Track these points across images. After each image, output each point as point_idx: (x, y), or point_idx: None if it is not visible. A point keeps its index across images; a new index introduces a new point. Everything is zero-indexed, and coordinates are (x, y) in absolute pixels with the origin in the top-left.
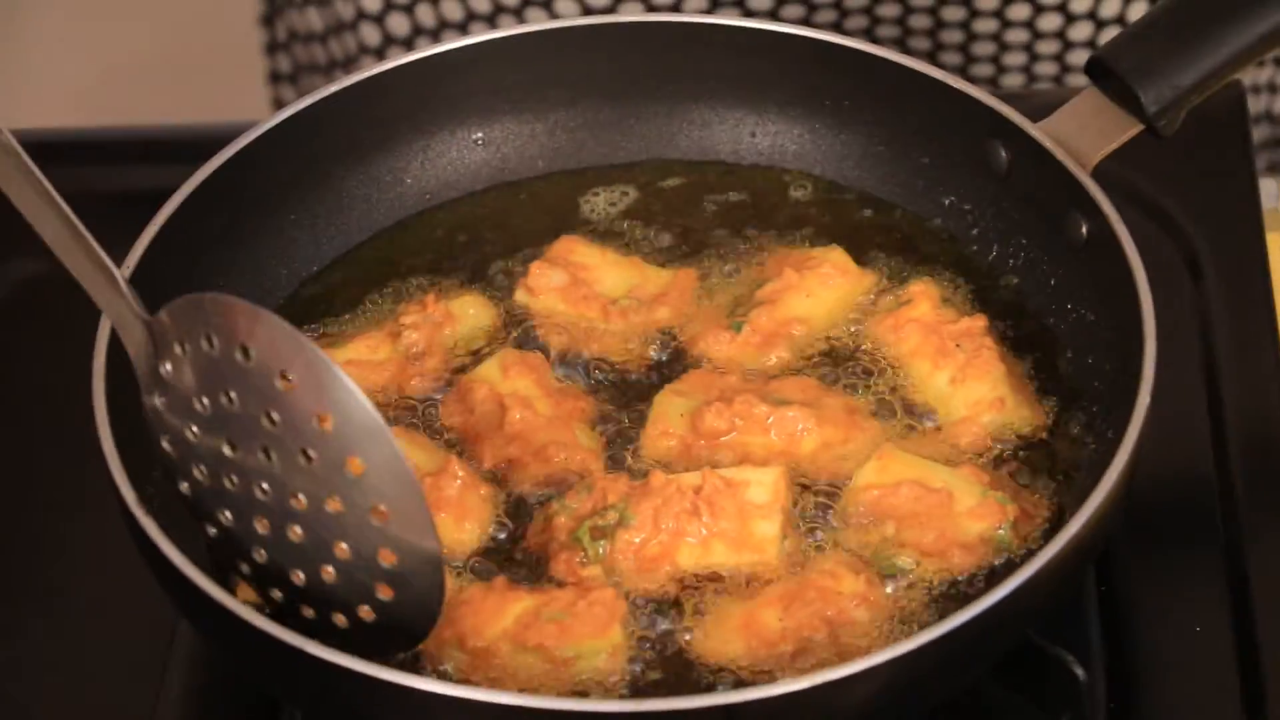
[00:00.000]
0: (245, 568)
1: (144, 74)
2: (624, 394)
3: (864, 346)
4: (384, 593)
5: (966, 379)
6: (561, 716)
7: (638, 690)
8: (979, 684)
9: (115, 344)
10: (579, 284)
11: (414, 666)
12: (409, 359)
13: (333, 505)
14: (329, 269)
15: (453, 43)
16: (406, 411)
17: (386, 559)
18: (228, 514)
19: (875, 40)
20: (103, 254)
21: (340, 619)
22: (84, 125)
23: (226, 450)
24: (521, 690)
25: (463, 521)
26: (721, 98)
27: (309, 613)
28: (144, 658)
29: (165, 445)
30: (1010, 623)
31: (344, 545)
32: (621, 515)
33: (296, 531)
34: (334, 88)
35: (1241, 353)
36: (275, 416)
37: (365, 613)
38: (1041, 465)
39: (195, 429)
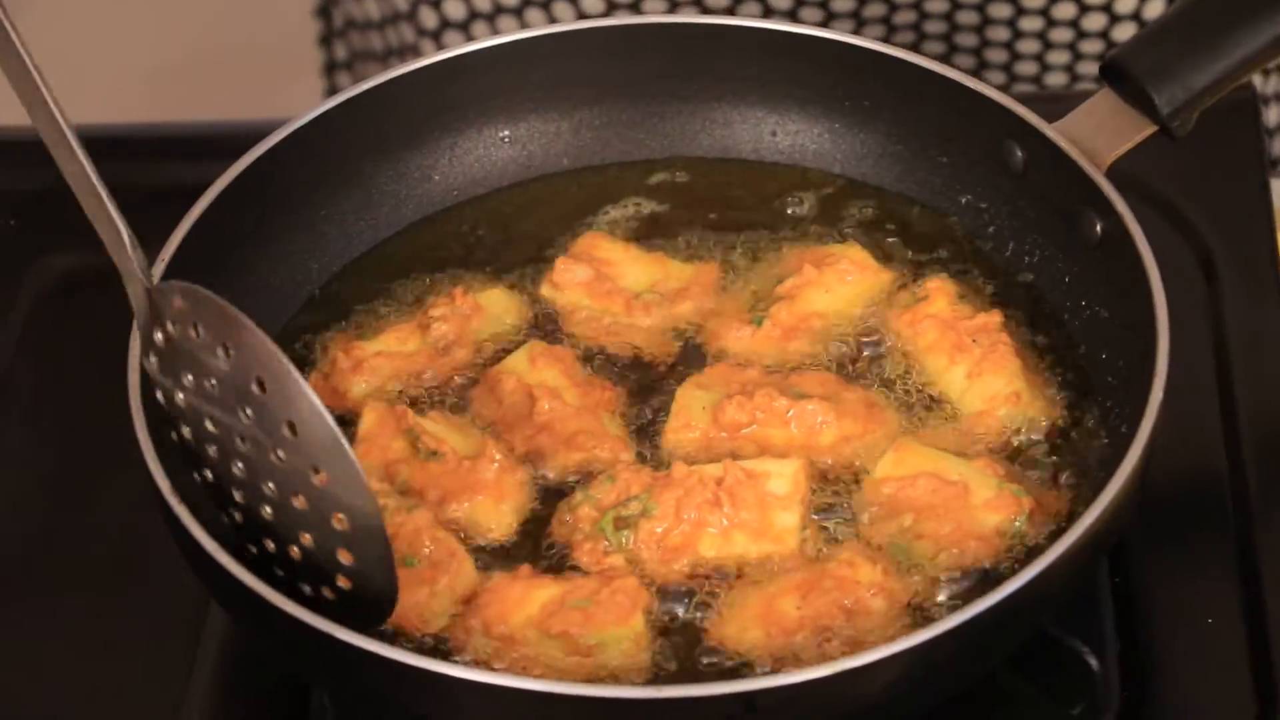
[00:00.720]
0: (232, 517)
1: (199, 69)
2: (647, 387)
3: (882, 341)
4: (343, 582)
5: (983, 373)
6: (584, 702)
7: (657, 678)
8: (993, 674)
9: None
10: (603, 279)
11: (441, 652)
12: (439, 350)
13: (298, 502)
14: (358, 262)
15: (480, 43)
16: (439, 401)
17: (345, 558)
18: (209, 474)
19: (891, 42)
20: (117, 215)
21: (308, 589)
22: (121, 121)
23: (208, 424)
24: (543, 677)
25: (500, 504)
26: (743, 97)
27: (282, 574)
28: (176, 641)
29: (159, 397)
30: (1026, 613)
31: (307, 536)
32: (644, 506)
33: (266, 511)
34: (364, 86)
35: (1254, 350)
36: (249, 414)
37: (338, 585)
38: (1056, 459)
39: (181, 396)
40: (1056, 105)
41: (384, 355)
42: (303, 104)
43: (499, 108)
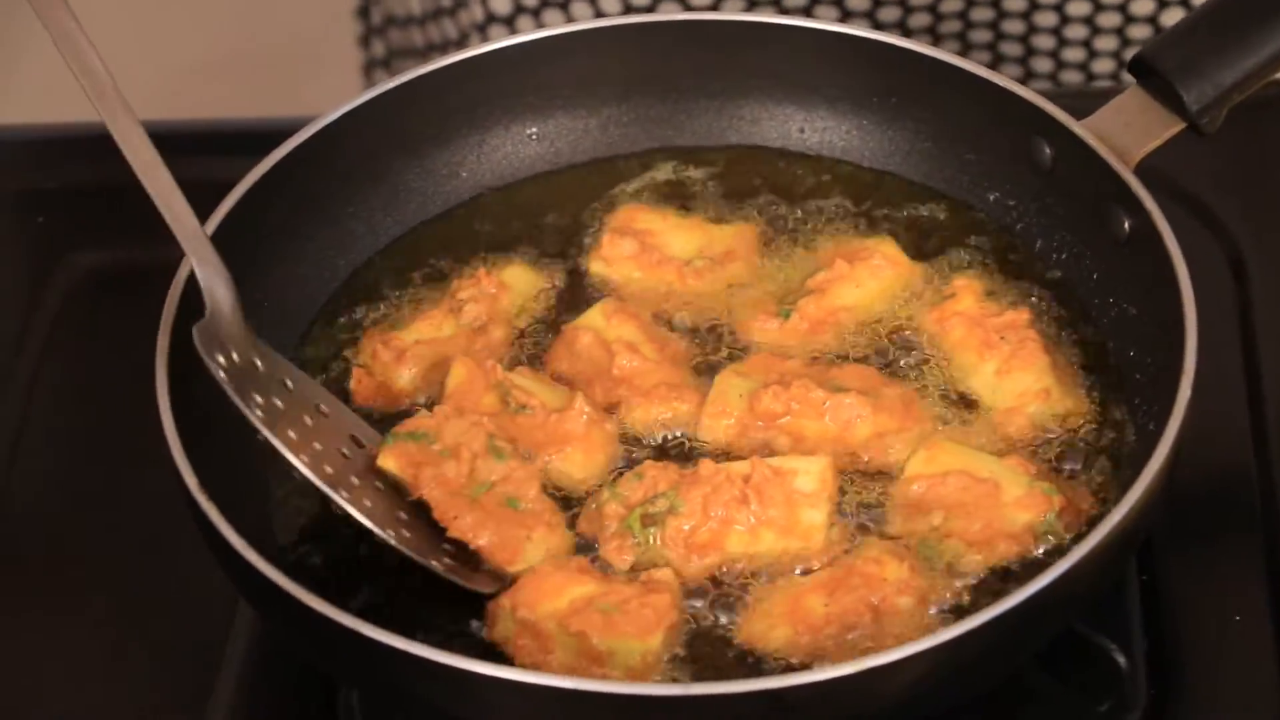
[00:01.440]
0: None
1: (240, 65)
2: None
3: (911, 337)
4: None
5: (1012, 370)
6: (612, 699)
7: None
8: (1021, 671)
9: (179, 333)
10: (649, 250)
11: (464, 648)
12: (475, 331)
13: None
14: (383, 255)
15: (508, 40)
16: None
17: None
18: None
19: (909, 33)
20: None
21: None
22: (153, 119)
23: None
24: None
25: (593, 454)
26: (770, 93)
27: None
28: (204, 639)
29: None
30: (1053, 611)
31: None
32: (671, 503)
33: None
34: (392, 84)
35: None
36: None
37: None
38: (1085, 456)
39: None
40: (1085, 102)
41: (423, 343)
42: (342, 102)
43: (526, 105)
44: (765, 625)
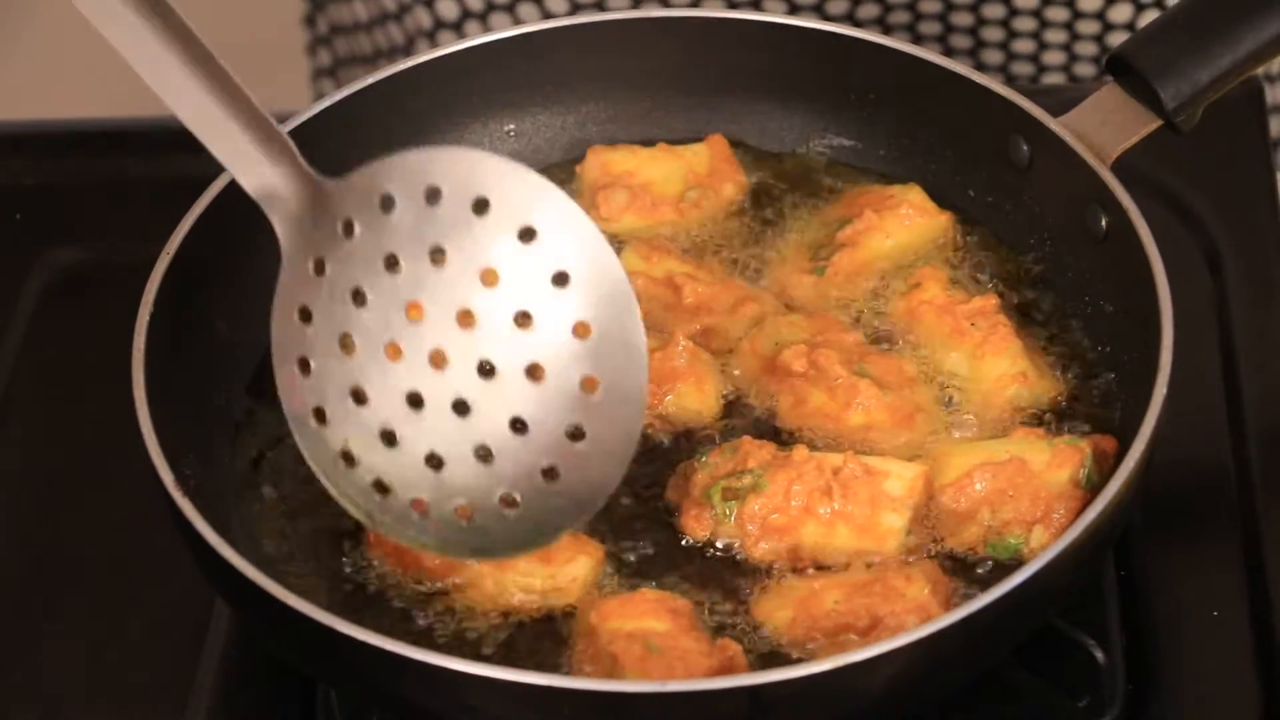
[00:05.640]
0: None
1: None
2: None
3: (885, 327)
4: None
5: (985, 355)
6: (587, 697)
7: None
8: (999, 666)
9: (155, 327)
10: (638, 194)
11: (441, 646)
12: None
13: (531, 376)
14: None
15: (481, 37)
16: None
17: (571, 442)
18: (365, 391)
19: (888, 32)
20: (264, 112)
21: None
22: (126, 115)
23: (377, 332)
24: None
25: (702, 386)
26: (750, 90)
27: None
28: (181, 640)
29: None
30: (1029, 607)
31: (523, 415)
32: (756, 481)
33: (464, 403)
34: (368, 81)
35: (1260, 343)
36: (486, 281)
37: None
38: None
39: (338, 309)
40: (1062, 99)
41: None
42: (292, 107)
43: (504, 102)
44: (777, 604)
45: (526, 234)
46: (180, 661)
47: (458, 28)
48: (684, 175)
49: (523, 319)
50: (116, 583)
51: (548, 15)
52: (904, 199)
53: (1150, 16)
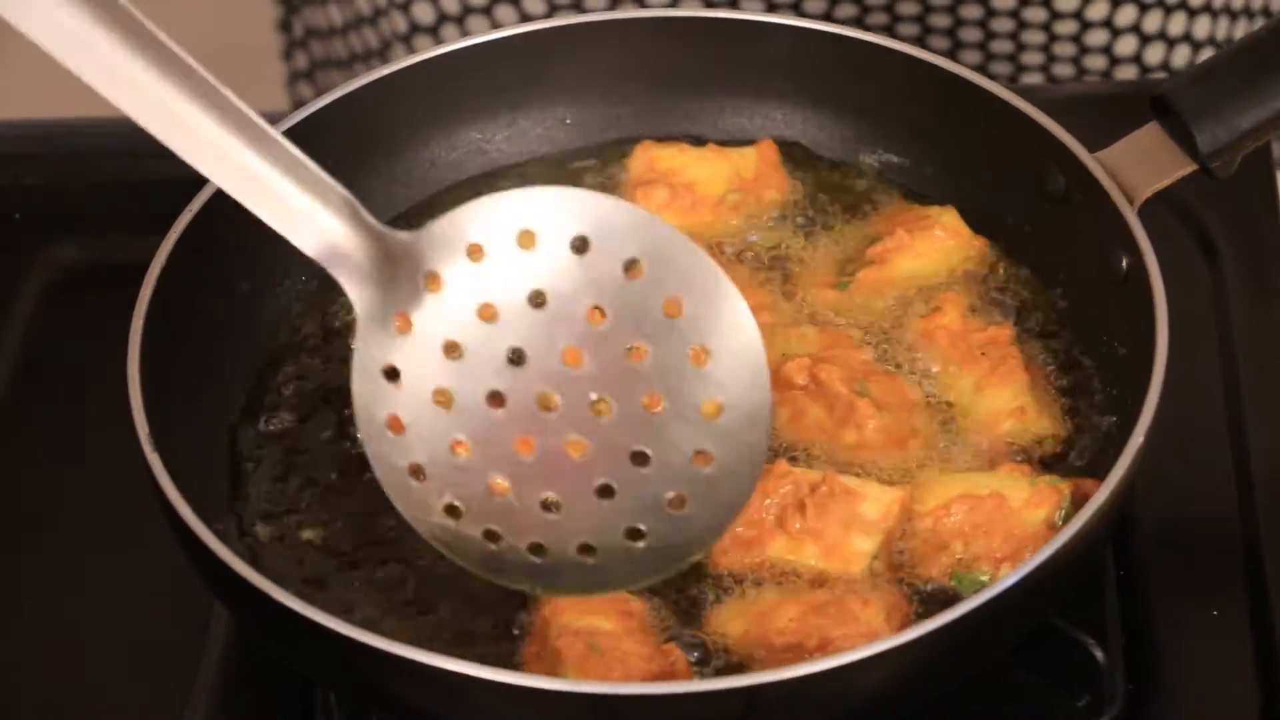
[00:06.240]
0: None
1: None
2: None
3: (892, 349)
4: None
5: (989, 386)
6: (581, 699)
7: None
8: (999, 666)
9: (151, 330)
10: (679, 193)
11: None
12: None
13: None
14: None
15: (544, 22)
16: None
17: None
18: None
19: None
20: (316, 169)
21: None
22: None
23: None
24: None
25: None
26: (807, 97)
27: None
28: (181, 641)
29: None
30: (1024, 609)
31: (645, 448)
32: None
33: (580, 442)
34: (437, 50)
35: (1260, 343)
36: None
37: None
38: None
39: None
40: (1109, 129)
41: None
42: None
43: (561, 89)
44: (731, 615)
45: (630, 266)
46: (180, 662)
47: (434, 31)
48: (729, 178)
49: (635, 352)
50: (116, 583)
51: (525, 17)
52: (938, 221)
53: (1126, 11)
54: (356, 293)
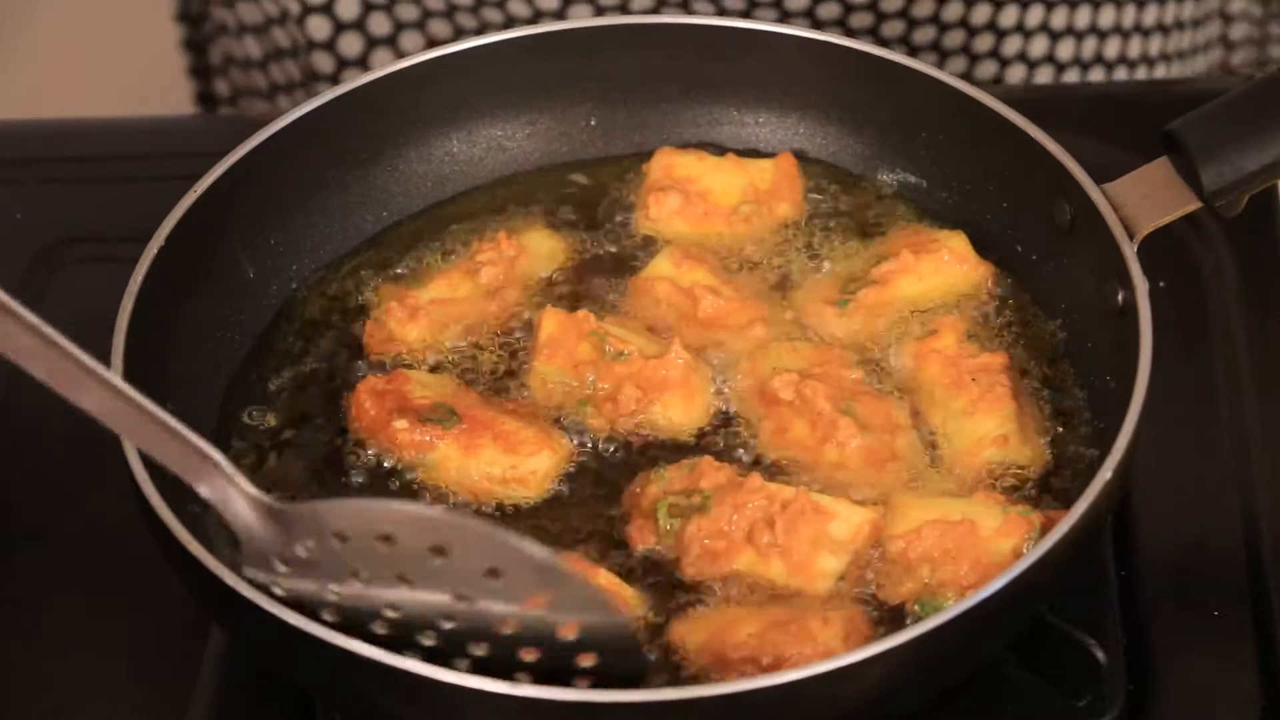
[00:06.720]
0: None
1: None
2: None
3: (884, 369)
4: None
5: (975, 413)
6: (572, 708)
7: None
8: (1000, 665)
9: (135, 333)
10: (693, 201)
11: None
12: (489, 294)
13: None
14: (413, 217)
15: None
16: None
17: (585, 660)
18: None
19: (881, 41)
20: (201, 442)
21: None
22: (126, 115)
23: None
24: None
25: (691, 400)
26: (830, 111)
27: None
28: (180, 651)
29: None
30: (1016, 605)
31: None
32: (704, 502)
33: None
34: (458, 47)
35: (1259, 343)
36: (428, 581)
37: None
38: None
39: (310, 590)
40: (1121, 162)
41: (437, 302)
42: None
43: (583, 89)
44: (691, 627)
45: (491, 574)
46: (179, 669)
47: (362, 62)
48: (743, 189)
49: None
50: (116, 590)
51: (461, 33)
52: (946, 244)
53: (1083, 12)
54: (240, 534)
